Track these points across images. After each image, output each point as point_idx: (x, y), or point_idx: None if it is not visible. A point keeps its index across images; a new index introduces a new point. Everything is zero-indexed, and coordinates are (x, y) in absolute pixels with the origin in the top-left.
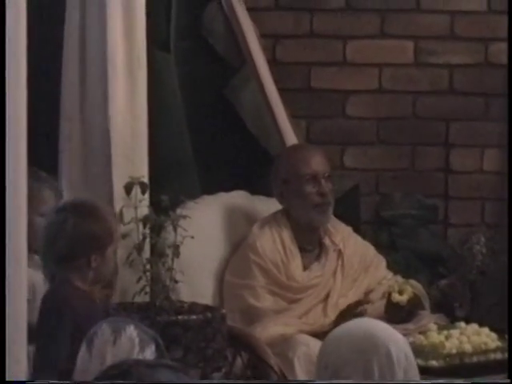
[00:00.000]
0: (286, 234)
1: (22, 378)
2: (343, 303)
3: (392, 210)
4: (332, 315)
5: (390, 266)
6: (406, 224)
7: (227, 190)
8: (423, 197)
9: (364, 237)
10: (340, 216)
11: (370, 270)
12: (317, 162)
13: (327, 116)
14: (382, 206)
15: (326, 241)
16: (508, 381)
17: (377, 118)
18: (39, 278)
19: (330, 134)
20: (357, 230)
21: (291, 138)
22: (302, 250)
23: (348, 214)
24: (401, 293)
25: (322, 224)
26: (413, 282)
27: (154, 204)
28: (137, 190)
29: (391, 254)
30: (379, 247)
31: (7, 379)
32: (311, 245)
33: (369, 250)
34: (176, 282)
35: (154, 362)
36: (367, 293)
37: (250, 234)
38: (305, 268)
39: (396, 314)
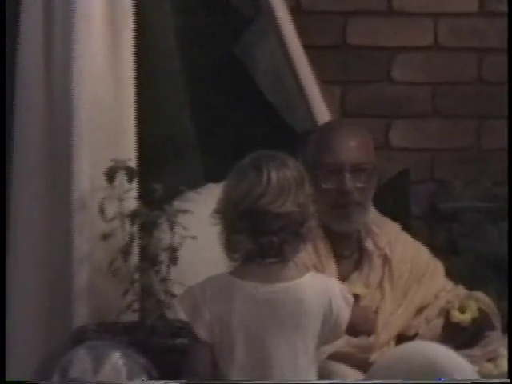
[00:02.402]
0: (317, 235)
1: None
2: (395, 322)
3: (452, 201)
4: (383, 336)
5: (449, 274)
6: (469, 220)
7: None
8: (492, 184)
9: (416, 237)
10: (384, 210)
11: (423, 280)
12: (344, 149)
13: (368, 81)
14: (439, 196)
15: (368, 244)
16: (508, 381)
17: (432, 82)
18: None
19: (371, 104)
20: (406, 228)
21: (321, 109)
22: (337, 255)
23: (395, 206)
24: (462, 310)
25: (343, 230)
26: (479, 294)
27: (144, 195)
28: (122, 176)
29: (451, 259)
30: (435, 250)
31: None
32: (348, 249)
33: (422, 253)
34: (173, 296)
35: None
36: (421, 309)
37: None
38: (342, 279)
39: (457, 336)
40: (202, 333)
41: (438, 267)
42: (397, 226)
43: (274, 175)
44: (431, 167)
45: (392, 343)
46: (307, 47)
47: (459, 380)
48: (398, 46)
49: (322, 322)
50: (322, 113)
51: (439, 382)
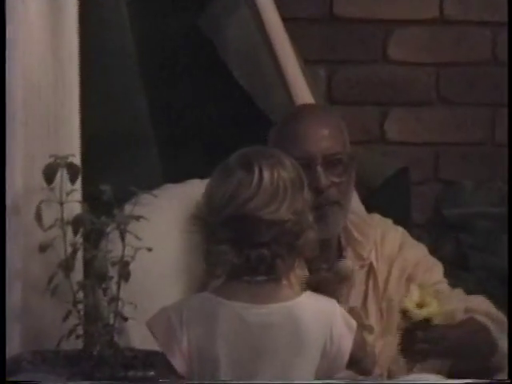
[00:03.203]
0: None
1: None
2: (388, 346)
3: (460, 206)
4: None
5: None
6: (481, 228)
7: (204, 175)
8: (506, 185)
9: None
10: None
11: (415, 277)
12: (314, 138)
13: (359, 61)
14: (445, 200)
15: (348, 253)
16: (508, 381)
17: (437, 63)
18: None
19: (363, 89)
20: None
21: (303, 95)
22: (312, 270)
23: (392, 212)
24: (421, 304)
25: (320, 237)
26: (480, 300)
27: (89, 198)
28: (63, 176)
29: (460, 276)
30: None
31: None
32: (326, 261)
33: (416, 251)
34: (125, 319)
35: None
36: None
37: None
38: None
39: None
40: (177, 364)
41: (434, 265)
42: (387, 223)
43: (266, 175)
44: (435, 165)
45: (384, 375)
46: (287, 20)
47: (459, 380)
48: (396, 19)
49: (322, 353)
50: (304, 99)
51: (439, 381)
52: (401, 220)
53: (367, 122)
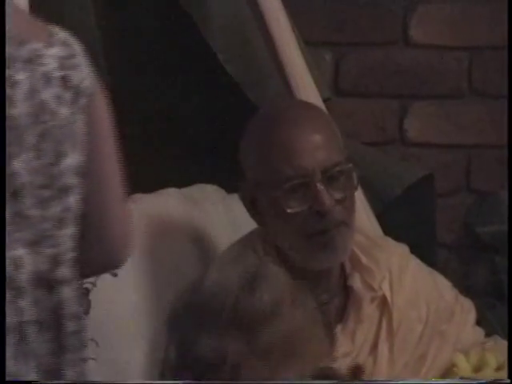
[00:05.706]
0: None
1: None
2: None
3: (496, 222)
4: None
5: (491, 332)
6: None
7: (183, 183)
8: None
9: (443, 274)
10: (397, 236)
11: (449, 330)
12: (308, 148)
13: (373, 43)
14: (478, 215)
15: (355, 283)
16: (508, 381)
17: (469, 47)
18: None
19: (378, 78)
20: (430, 262)
21: (304, 84)
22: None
23: (413, 230)
24: (478, 367)
25: (326, 265)
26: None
27: None
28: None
29: (495, 309)
30: (472, 294)
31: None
32: (327, 291)
33: (444, 289)
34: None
35: None
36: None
37: (210, 270)
38: None
39: None
40: None
41: (467, 310)
42: (402, 248)
43: None
44: (466, 172)
45: None
46: None
47: (460, 380)
48: None
49: None
50: (306, 90)
51: (442, 381)
52: (424, 239)
53: (383, 119)
